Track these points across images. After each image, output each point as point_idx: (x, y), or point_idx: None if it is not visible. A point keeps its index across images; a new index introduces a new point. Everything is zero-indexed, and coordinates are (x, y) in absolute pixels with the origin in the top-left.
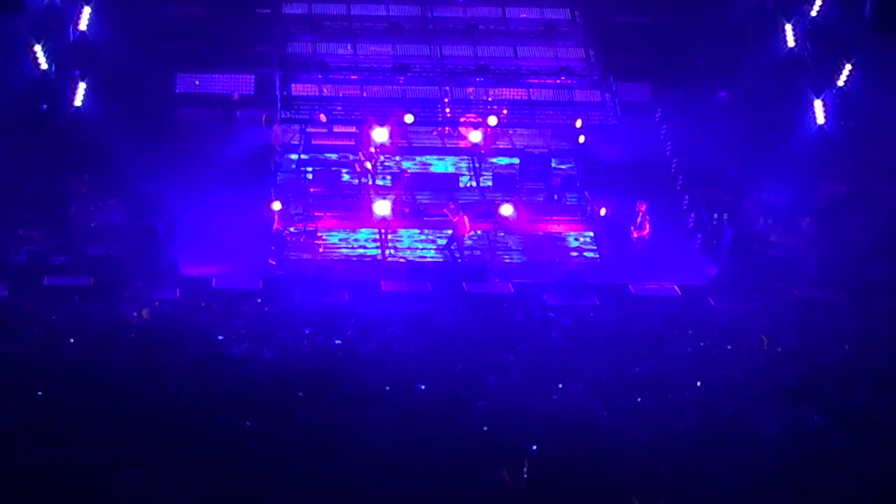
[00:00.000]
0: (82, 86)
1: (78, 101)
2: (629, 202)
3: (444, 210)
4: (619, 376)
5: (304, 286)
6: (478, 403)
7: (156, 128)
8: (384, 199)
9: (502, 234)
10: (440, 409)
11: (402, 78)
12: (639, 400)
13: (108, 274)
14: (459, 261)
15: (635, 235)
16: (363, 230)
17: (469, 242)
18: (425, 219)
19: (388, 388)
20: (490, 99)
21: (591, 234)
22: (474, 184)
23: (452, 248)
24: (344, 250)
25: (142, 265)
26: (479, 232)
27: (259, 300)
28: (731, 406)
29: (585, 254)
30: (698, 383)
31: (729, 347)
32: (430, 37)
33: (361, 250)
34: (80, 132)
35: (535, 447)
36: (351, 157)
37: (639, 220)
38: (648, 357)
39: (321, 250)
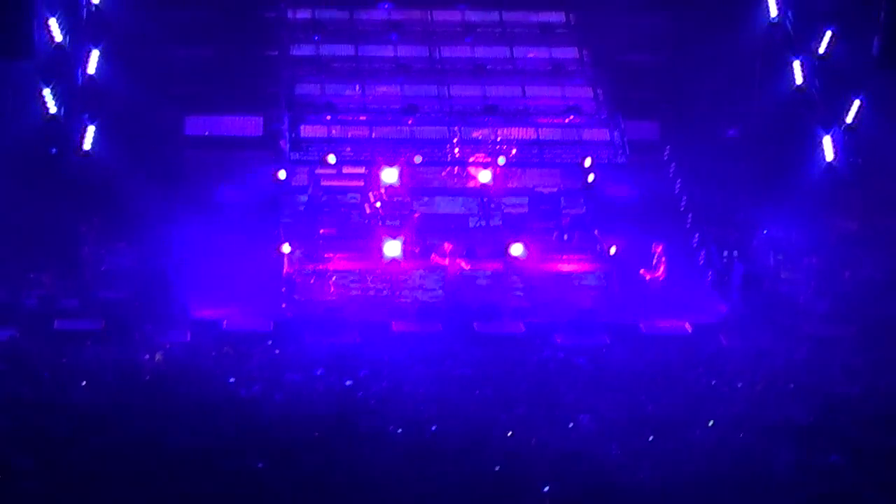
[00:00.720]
0: (91, 129)
1: (87, 145)
2: (639, 240)
3: (434, 255)
4: (631, 415)
5: (315, 327)
6: (490, 444)
7: (165, 171)
8: (394, 239)
9: (512, 274)
10: (452, 449)
11: (411, 119)
12: (650, 439)
13: (118, 317)
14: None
15: (648, 277)
16: (373, 271)
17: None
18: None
19: (400, 429)
20: (499, 139)
21: (602, 273)
22: (483, 223)
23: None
24: (354, 291)
25: (152, 308)
26: (487, 272)
27: (270, 342)
28: (743, 444)
29: (595, 292)
30: (710, 422)
31: (740, 385)
32: (438, 77)
33: (371, 291)
34: (89, 176)
35: (547, 488)
36: (360, 198)
37: (654, 261)
38: (660, 396)
39: (331, 291)
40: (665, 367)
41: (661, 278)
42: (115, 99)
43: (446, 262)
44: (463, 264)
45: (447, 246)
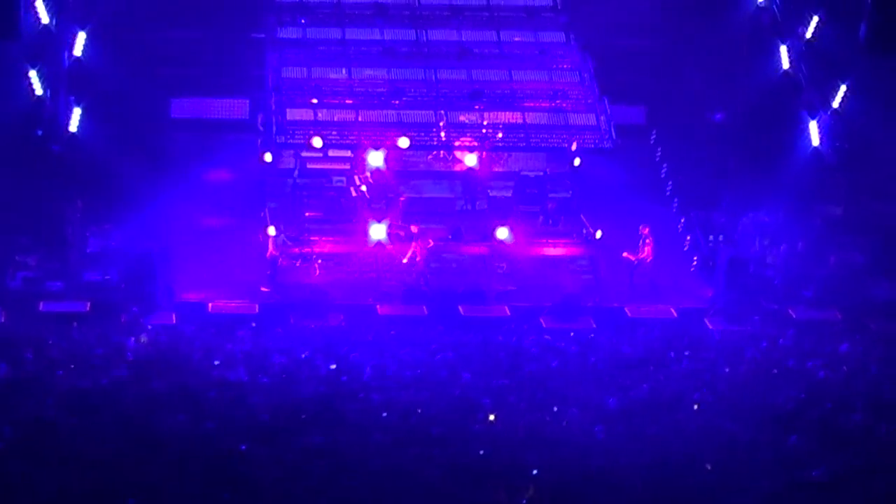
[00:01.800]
0: (77, 111)
1: (73, 127)
2: (625, 224)
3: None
4: (616, 399)
5: (301, 310)
6: (475, 427)
7: (151, 153)
8: (379, 222)
9: (498, 257)
10: (438, 433)
11: (398, 102)
12: (636, 423)
13: (103, 299)
14: (425, 288)
15: (634, 259)
16: (358, 254)
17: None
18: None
19: (385, 413)
20: (485, 122)
21: (587, 256)
22: (469, 207)
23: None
24: (339, 274)
25: (137, 290)
26: (473, 255)
27: (254, 324)
28: (727, 428)
29: (582, 276)
30: (695, 406)
31: (727, 370)
32: (424, 60)
33: (357, 274)
34: (75, 157)
35: (535, 471)
36: (346, 181)
37: (640, 243)
38: (645, 380)
39: (316, 274)
40: (650, 351)
41: (647, 260)
42: (101, 81)
43: (412, 246)
44: (427, 242)
45: (413, 228)
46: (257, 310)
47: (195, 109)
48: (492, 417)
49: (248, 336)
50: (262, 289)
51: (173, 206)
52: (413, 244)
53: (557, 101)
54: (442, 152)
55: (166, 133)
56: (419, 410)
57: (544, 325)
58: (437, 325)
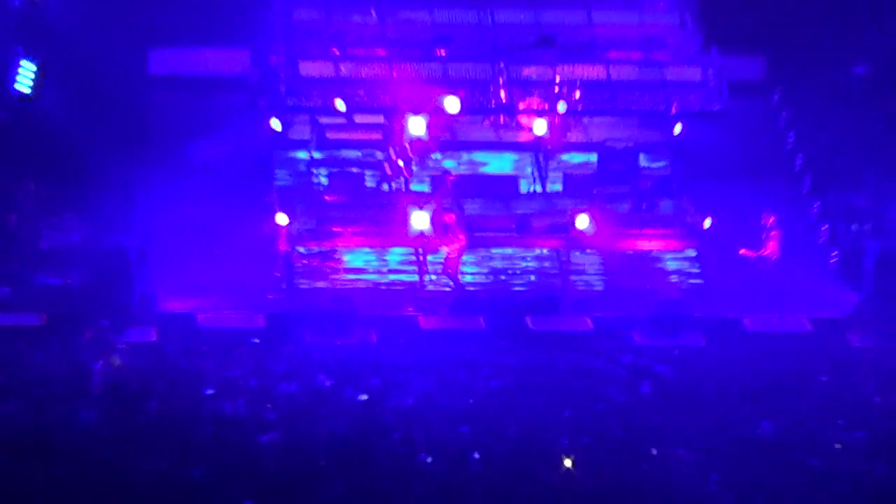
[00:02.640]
0: (29, 66)
1: (23, 87)
2: (742, 210)
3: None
4: (733, 439)
5: (319, 324)
6: (546, 476)
7: (125, 121)
8: (422, 209)
9: (577, 253)
10: (497, 484)
11: (444, 52)
12: (759, 469)
13: (63, 310)
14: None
15: (754, 257)
16: (395, 250)
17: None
18: (476, 234)
19: (430, 458)
20: (558, 79)
21: (693, 252)
22: (539, 188)
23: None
24: (370, 276)
25: (108, 298)
26: (544, 251)
27: (257, 341)
28: (880, 475)
29: (686, 278)
30: (837, 446)
31: (877, 400)
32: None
33: (392, 276)
34: (26, 127)
35: None
36: (378, 155)
37: (762, 237)
38: (770, 413)
39: (340, 276)
40: (777, 375)
41: (771, 259)
42: (61, 29)
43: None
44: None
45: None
46: (263, 323)
47: (180, 63)
48: (568, 463)
49: (250, 357)
50: (270, 295)
51: (153, 190)
52: (449, 237)
53: (652, 51)
54: (502, 117)
55: (143, 94)
56: (475, 455)
57: (637, 342)
58: (497, 341)
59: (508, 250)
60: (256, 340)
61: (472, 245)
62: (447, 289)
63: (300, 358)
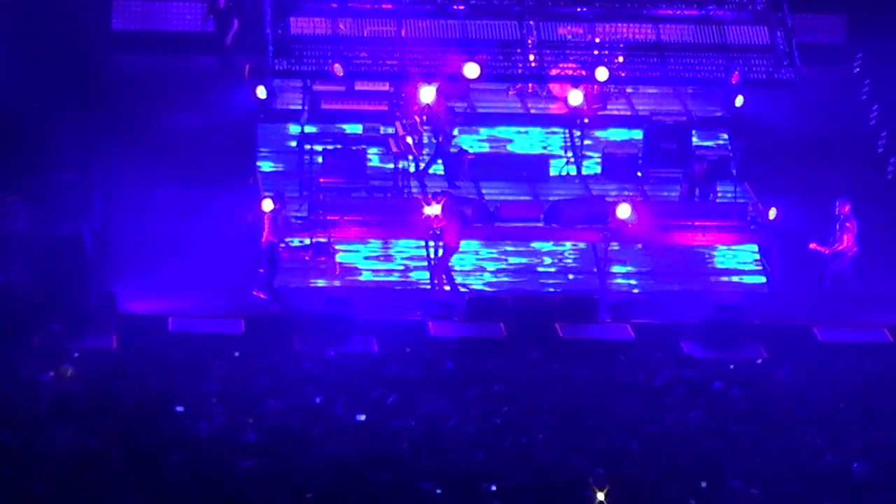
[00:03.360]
0: None
1: None
2: (814, 198)
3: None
4: (802, 470)
5: (310, 330)
6: None
7: (81, 86)
8: (434, 195)
9: (617, 247)
10: None
11: (461, 7)
12: None
13: (6, 311)
14: (447, 288)
15: (828, 251)
16: (401, 243)
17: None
18: (497, 225)
19: (439, 489)
20: (597, 40)
21: (755, 248)
22: (573, 170)
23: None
24: (371, 274)
25: (60, 298)
26: (578, 245)
27: (237, 354)
28: None
29: (746, 279)
30: None
31: None
32: None
33: (398, 274)
34: None
35: None
36: (383, 129)
37: (838, 227)
38: (846, 439)
39: (337, 274)
40: (855, 395)
41: (848, 253)
42: None
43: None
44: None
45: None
46: (243, 328)
47: (149, 17)
48: (601, 498)
49: (228, 369)
50: (255, 293)
51: (114, 168)
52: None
53: (709, 7)
54: (530, 85)
55: (104, 54)
56: (491, 486)
57: (687, 353)
58: (521, 352)
59: (536, 244)
60: (237, 354)
61: (492, 237)
62: (463, 289)
63: (288, 370)
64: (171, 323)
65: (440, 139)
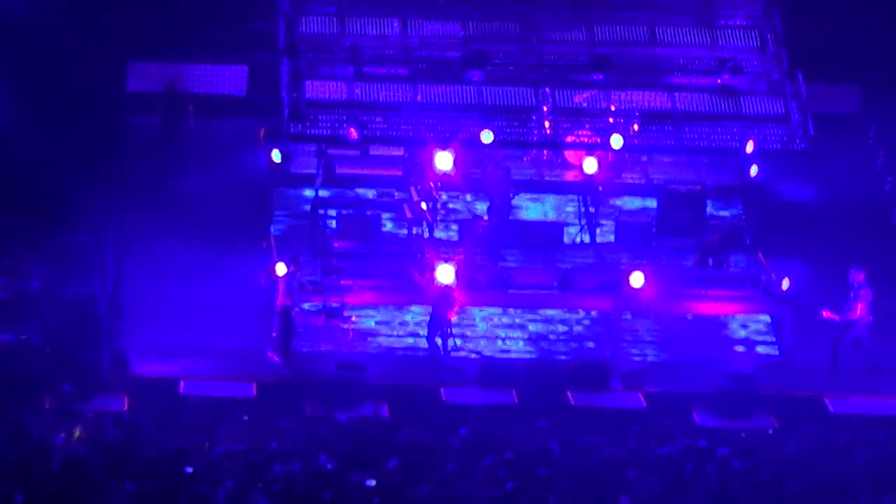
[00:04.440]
0: None
1: None
2: (827, 267)
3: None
4: None
5: (322, 394)
6: None
7: (96, 146)
8: (448, 261)
9: (629, 316)
10: None
11: (477, 73)
12: None
13: (16, 372)
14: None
15: (842, 320)
16: (414, 309)
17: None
18: (511, 292)
19: None
20: (613, 108)
21: (768, 318)
22: (587, 238)
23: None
24: (384, 339)
25: (73, 359)
26: (591, 313)
27: (246, 418)
28: None
29: (759, 348)
30: None
31: None
32: (520, 9)
33: (411, 339)
34: None
35: None
36: (397, 194)
37: (851, 295)
38: None
39: (348, 338)
40: (868, 467)
41: (862, 322)
42: (24, 32)
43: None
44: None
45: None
46: (255, 392)
47: (165, 80)
48: None
49: (239, 432)
50: (269, 354)
51: (129, 228)
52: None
53: (725, 77)
54: (545, 152)
55: (121, 114)
56: None
57: (698, 423)
58: (532, 419)
59: (549, 311)
60: (246, 418)
61: (506, 304)
62: (474, 356)
63: (299, 434)
64: (183, 386)
65: (497, 202)
